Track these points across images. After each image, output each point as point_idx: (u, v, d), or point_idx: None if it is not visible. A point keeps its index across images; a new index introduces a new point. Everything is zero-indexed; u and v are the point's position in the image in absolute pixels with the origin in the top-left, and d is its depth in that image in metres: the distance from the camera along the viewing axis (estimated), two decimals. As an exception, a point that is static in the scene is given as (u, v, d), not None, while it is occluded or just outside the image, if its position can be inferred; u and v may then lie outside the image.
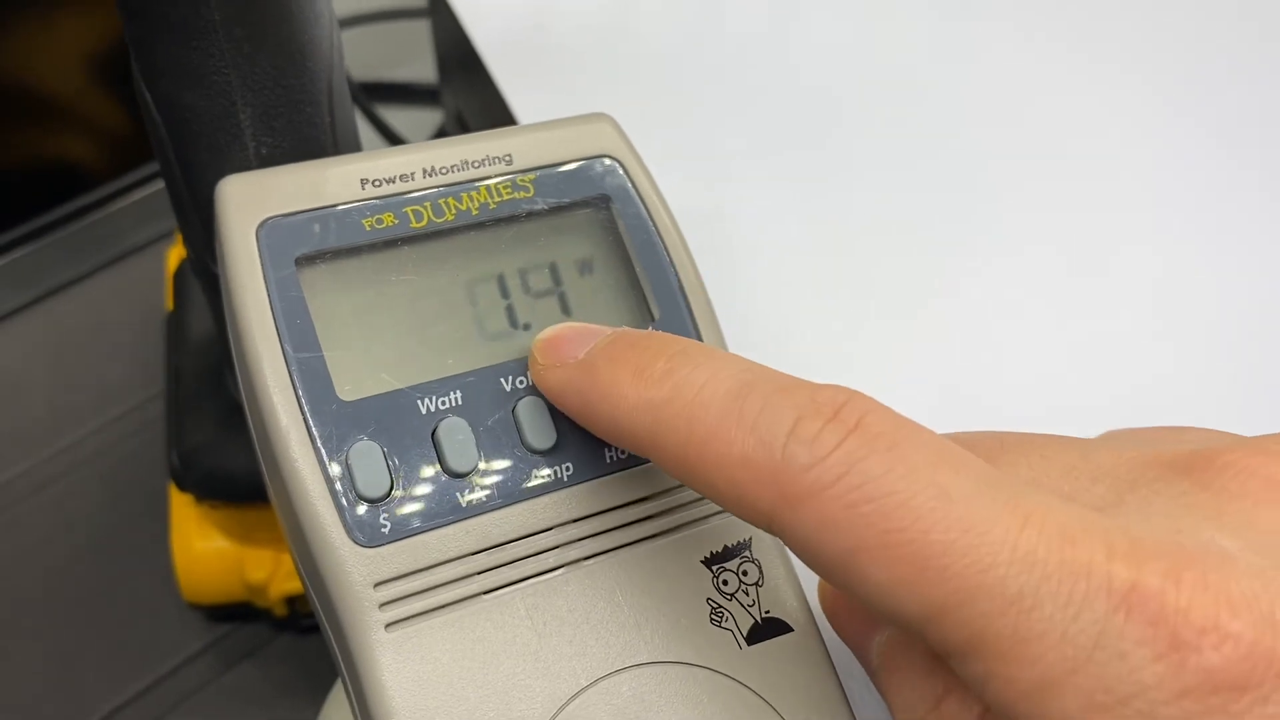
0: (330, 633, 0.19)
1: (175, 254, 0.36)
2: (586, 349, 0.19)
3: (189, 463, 0.29)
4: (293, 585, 0.31)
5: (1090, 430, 0.21)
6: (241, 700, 0.32)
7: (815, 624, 0.20)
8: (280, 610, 0.32)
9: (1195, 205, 0.32)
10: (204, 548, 0.31)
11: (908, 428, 0.16)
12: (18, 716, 0.32)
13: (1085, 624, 0.14)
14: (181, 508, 0.32)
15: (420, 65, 0.47)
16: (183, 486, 0.30)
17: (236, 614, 0.33)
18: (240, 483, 0.29)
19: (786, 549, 0.21)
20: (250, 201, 0.20)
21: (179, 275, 0.34)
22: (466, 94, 0.42)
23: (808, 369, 0.19)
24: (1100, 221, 0.32)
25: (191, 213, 0.24)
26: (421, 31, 0.47)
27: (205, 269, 0.25)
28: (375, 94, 0.47)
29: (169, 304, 0.35)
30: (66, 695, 0.32)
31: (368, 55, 0.47)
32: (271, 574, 0.31)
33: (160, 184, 0.43)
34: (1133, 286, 0.31)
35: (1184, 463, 0.16)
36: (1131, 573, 0.14)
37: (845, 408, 0.16)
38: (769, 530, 0.16)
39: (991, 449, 0.18)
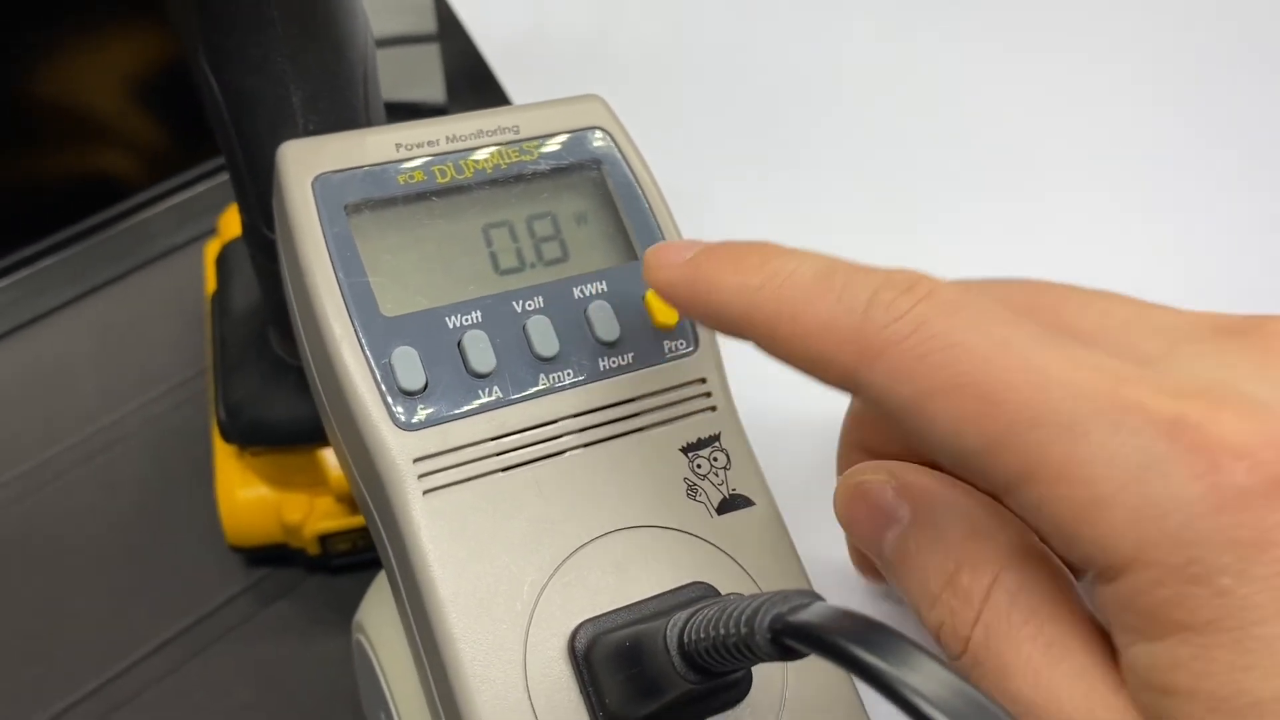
0: (374, 507, 0.23)
1: (212, 247, 0.40)
2: (692, 253, 0.22)
3: (234, 413, 0.33)
4: (324, 525, 0.35)
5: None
6: (278, 633, 0.36)
7: (773, 500, 0.24)
8: (313, 549, 0.35)
9: (1126, 188, 0.37)
10: (246, 495, 0.35)
11: (972, 293, 0.18)
12: (78, 648, 0.35)
13: (1132, 449, 0.15)
14: (225, 460, 0.36)
15: (429, 87, 0.51)
16: (228, 437, 0.34)
17: (273, 558, 0.37)
18: (279, 429, 0.33)
19: (749, 443, 0.25)
20: (306, 161, 0.24)
21: (220, 260, 0.38)
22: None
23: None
24: (1047, 203, 0.36)
25: (249, 184, 0.28)
26: (431, 55, 0.51)
27: (258, 235, 0.29)
28: (388, 113, 0.51)
29: (210, 286, 0.39)
30: (121, 630, 0.36)
31: (382, 78, 0.51)
32: (306, 515, 0.35)
33: (192, 191, 0.47)
34: (1076, 264, 0.35)
35: (1235, 327, 0.18)
36: (1177, 406, 0.16)
37: (918, 283, 0.18)
38: (847, 386, 0.18)
39: (1057, 299, 0.20)
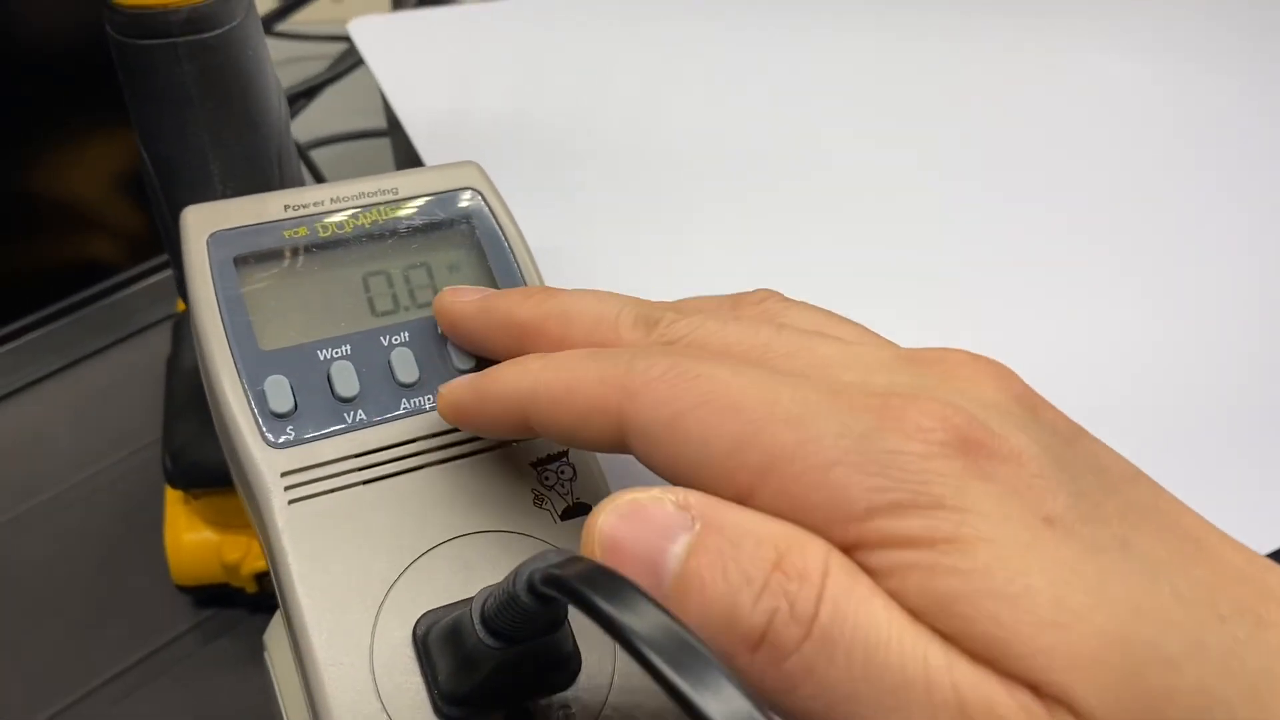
0: (254, 517, 0.25)
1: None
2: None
3: (177, 458, 0.36)
4: (260, 564, 0.37)
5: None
6: (219, 667, 0.38)
7: (614, 508, 0.26)
8: (251, 587, 0.37)
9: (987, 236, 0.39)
10: (190, 538, 0.38)
11: (717, 353, 0.21)
12: (36, 680, 0.37)
13: (853, 425, 0.18)
14: (173, 505, 0.38)
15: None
16: (172, 481, 0.36)
17: (217, 599, 0.39)
18: (215, 471, 0.35)
19: (597, 458, 0.27)
20: (203, 221, 0.27)
21: (175, 327, 0.41)
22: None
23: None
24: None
25: (178, 244, 0.31)
26: (384, 148, 0.55)
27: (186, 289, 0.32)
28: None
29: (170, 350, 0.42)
30: (78, 662, 0.37)
31: (339, 170, 0.55)
32: (244, 555, 0.37)
33: (167, 273, 0.50)
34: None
35: (922, 357, 0.21)
36: (882, 399, 0.19)
37: (673, 345, 0.22)
38: (617, 429, 0.20)
39: (768, 346, 0.22)
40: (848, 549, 0.18)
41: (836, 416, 0.19)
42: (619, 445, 0.21)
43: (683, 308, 0.24)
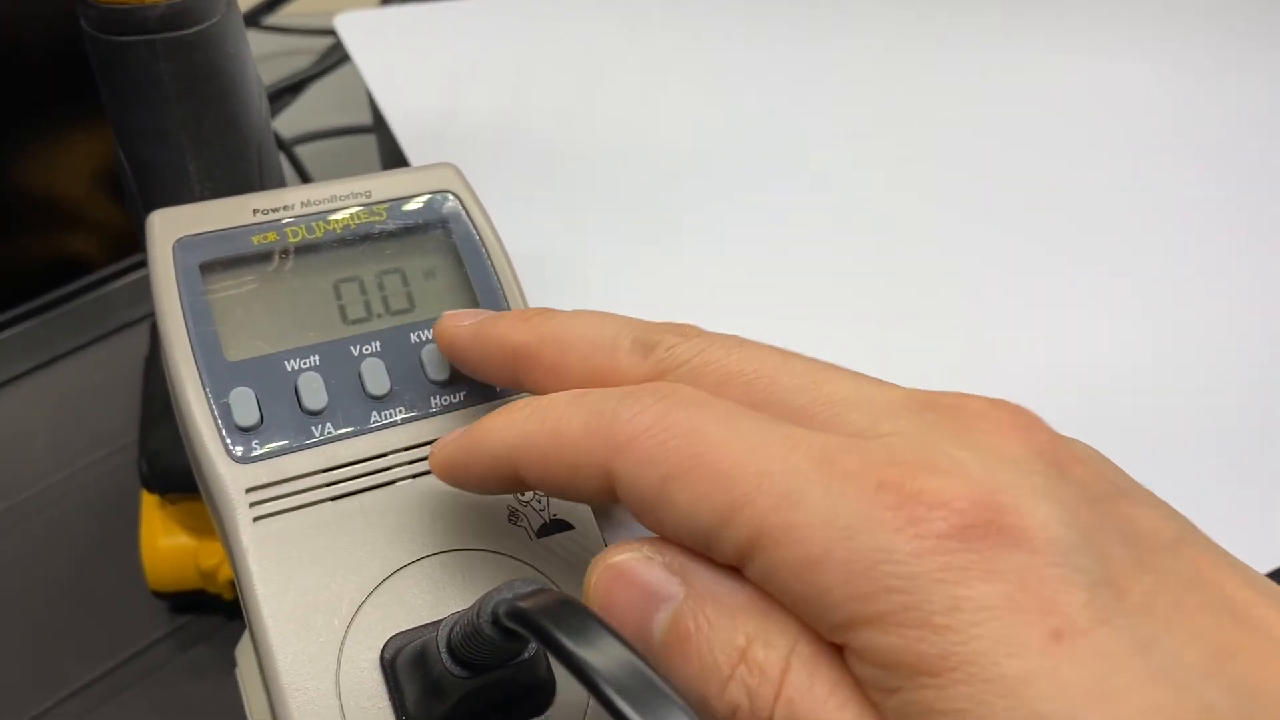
0: (218, 526, 0.24)
1: (155, 318, 0.42)
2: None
3: (153, 462, 0.35)
4: (236, 570, 0.36)
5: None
6: (195, 676, 0.37)
7: (594, 524, 0.25)
8: (228, 594, 0.36)
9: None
10: (166, 543, 0.37)
11: (711, 398, 0.19)
12: (4, 685, 0.36)
13: (842, 511, 0.16)
14: (149, 510, 0.37)
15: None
16: (148, 485, 0.35)
17: (194, 605, 0.38)
18: (190, 475, 0.34)
19: None
20: (169, 227, 0.26)
21: (153, 327, 0.40)
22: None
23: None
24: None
25: (148, 248, 0.30)
26: (369, 145, 0.54)
27: (155, 296, 0.31)
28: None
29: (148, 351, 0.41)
30: (49, 670, 0.36)
31: (324, 167, 0.54)
32: (220, 561, 0.36)
33: (144, 271, 0.49)
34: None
35: (937, 403, 0.19)
36: (880, 472, 0.16)
37: (661, 386, 0.19)
38: (607, 483, 0.19)
39: (773, 385, 0.20)
40: (834, 644, 0.17)
41: (826, 498, 0.17)
42: (613, 498, 0.19)
43: (685, 331, 0.22)
